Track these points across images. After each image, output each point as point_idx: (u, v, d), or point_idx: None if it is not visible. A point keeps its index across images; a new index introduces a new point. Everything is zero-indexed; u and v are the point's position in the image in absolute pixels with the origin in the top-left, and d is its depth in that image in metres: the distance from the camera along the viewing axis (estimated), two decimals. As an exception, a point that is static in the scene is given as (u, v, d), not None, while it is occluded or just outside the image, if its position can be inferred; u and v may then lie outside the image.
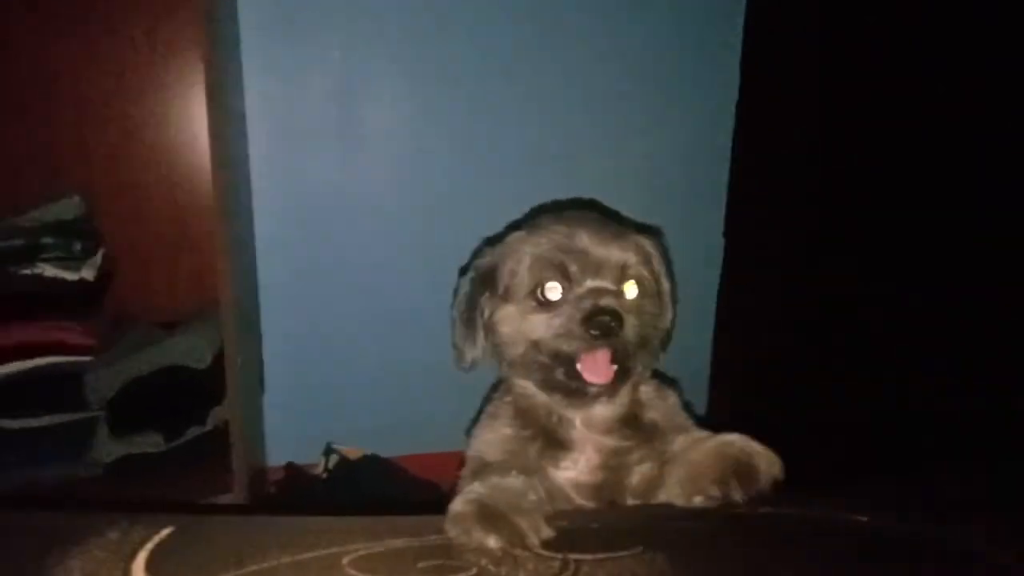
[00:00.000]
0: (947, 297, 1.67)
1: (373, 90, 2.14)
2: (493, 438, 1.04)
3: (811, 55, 1.98)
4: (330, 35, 2.07)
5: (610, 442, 1.00)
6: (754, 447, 0.89)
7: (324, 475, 2.14)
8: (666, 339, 1.07)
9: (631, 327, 0.95)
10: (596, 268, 0.97)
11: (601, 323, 0.92)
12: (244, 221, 2.03)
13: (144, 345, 1.93)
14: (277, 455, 2.22)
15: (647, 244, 1.04)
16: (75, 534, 0.79)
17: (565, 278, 0.97)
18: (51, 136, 2.10)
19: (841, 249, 1.91)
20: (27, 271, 1.92)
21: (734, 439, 0.91)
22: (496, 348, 1.02)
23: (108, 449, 1.84)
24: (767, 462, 0.87)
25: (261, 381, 2.17)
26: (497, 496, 0.85)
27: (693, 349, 2.37)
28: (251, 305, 2.09)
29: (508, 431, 1.03)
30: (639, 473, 0.99)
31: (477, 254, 1.10)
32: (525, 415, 1.03)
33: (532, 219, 1.06)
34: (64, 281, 1.93)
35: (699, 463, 0.90)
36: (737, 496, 0.86)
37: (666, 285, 1.06)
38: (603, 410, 1.01)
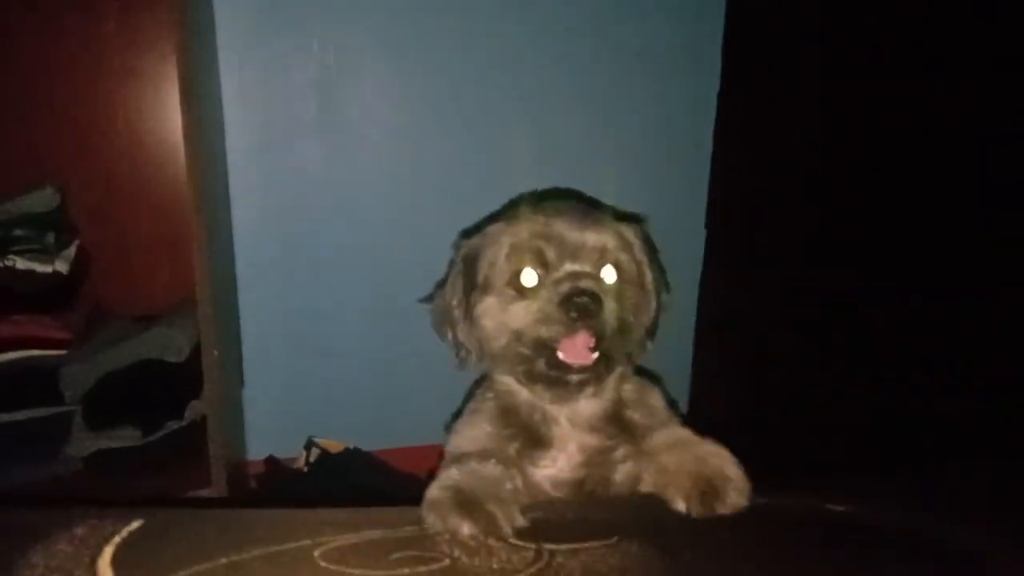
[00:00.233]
0: (941, 293, 1.67)
1: (353, 81, 2.12)
2: (472, 435, 1.03)
3: (794, 46, 1.99)
4: (309, 25, 2.05)
5: (593, 440, 1.00)
6: (729, 471, 0.87)
7: (305, 468, 2.13)
8: (652, 328, 1.06)
9: (610, 311, 0.94)
10: (573, 252, 0.96)
11: (579, 304, 0.91)
12: (222, 213, 2.00)
13: (120, 338, 1.91)
14: (258, 449, 2.20)
15: (628, 231, 1.04)
16: (42, 530, 0.78)
17: (542, 264, 0.96)
18: (24, 128, 2.07)
19: (829, 240, 1.91)
20: (-1, 264, 1.89)
21: (712, 455, 0.90)
22: (480, 342, 1.01)
23: (85, 444, 1.81)
24: (737, 490, 0.86)
25: (240, 374, 2.15)
26: (474, 483, 0.85)
27: (676, 344, 2.37)
28: (230, 298, 2.07)
29: (488, 428, 1.03)
30: (623, 471, 0.98)
31: (456, 248, 1.09)
32: (507, 413, 1.02)
33: (511, 209, 1.06)
34: (37, 274, 1.90)
35: (672, 473, 0.90)
36: (697, 514, 0.85)
37: (649, 274, 1.05)
38: (588, 406, 1.00)
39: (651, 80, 2.23)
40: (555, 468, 0.99)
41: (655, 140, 2.27)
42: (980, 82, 1.57)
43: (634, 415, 1.02)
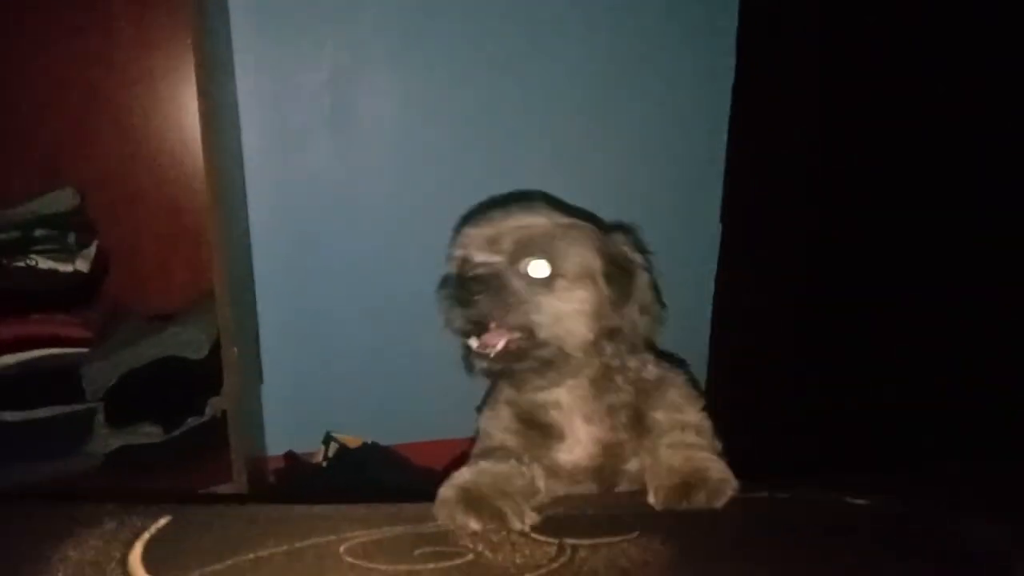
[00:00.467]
0: (948, 291, 1.67)
1: (367, 81, 2.12)
2: (495, 417, 1.05)
3: (810, 39, 1.97)
4: (323, 26, 2.06)
5: (600, 431, 1.01)
6: (710, 473, 0.89)
7: (324, 464, 2.15)
8: (627, 334, 1.02)
9: (523, 305, 0.93)
10: (491, 244, 0.97)
11: (460, 291, 0.93)
12: (238, 211, 2.02)
13: (140, 336, 1.93)
14: (277, 444, 2.22)
15: (582, 229, 1.01)
16: (73, 525, 0.80)
17: (469, 259, 0.98)
18: (43, 129, 2.08)
19: (845, 236, 1.91)
20: (21, 263, 1.90)
21: (700, 458, 0.91)
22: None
23: (106, 440, 1.84)
24: (711, 492, 0.87)
25: (259, 371, 2.17)
26: (482, 481, 0.87)
27: (690, 341, 2.37)
28: (247, 295, 2.09)
29: (506, 411, 1.05)
30: (636, 462, 0.99)
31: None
32: (514, 404, 1.04)
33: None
34: (58, 273, 1.92)
35: (655, 466, 0.92)
36: (662, 508, 0.88)
37: (641, 280, 1.03)
38: (565, 396, 1.01)
39: (665, 76, 2.22)
40: (573, 455, 1.01)
41: (669, 137, 2.27)
42: (972, 69, 1.56)
43: (647, 408, 1.01)
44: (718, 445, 0.98)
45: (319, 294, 2.20)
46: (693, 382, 1.09)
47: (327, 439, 2.17)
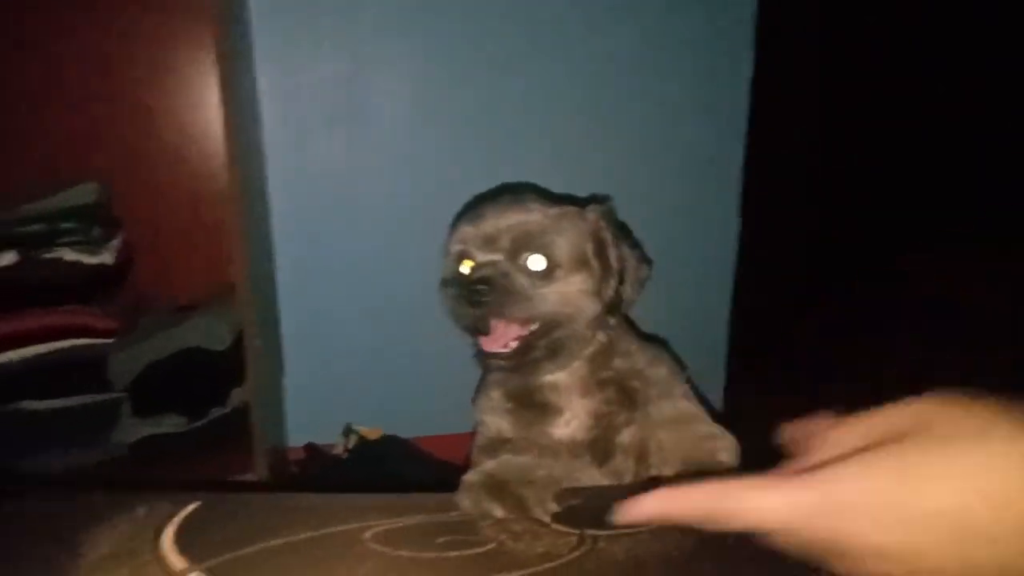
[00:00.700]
0: (967, 290, 1.66)
1: (385, 75, 2.13)
2: (487, 403, 1.09)
3: (830, 35, 1.97)
4: (341, 20, 2.07)
5: (592, 404, 1.04)
6: (722, 456, 0.91)
7: (344, 455, 2.17)
8: (613, 305, 1.07)
9: (529, 299, 0.98)
10: (489, 242, 1.01)
11: (472, 293, 0.97)
12: (259, 204, 2.04)
13: (164, 328, 1.96)
14: (297, 436, 2.25)
15: (569, 215, 1.06)
16: (104, 511, 0.82)
17: (470, 256, 1.03)
18: (66, 123, 2.12)
19: (866, 229, 1.90)
20: (47, 255, 1.94)
21: (707, 438, 0.94)
22: None
23: (131, 430, 1.87)
24: (727, 466, 0.89)
25: (281, 363, 2.20)
26: (506, 470, 0.90)
27: (708, 337, 2.37)
28: (269, 288, 2.11)
29: (497, 395, 1.08)
30: (628, 434, 1.03)
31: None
32: (509, 389, 1.08)
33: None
34: (84, 265, 1.96)
35: (666, 453, 0.94)
36: None
37: (614, 252, 1.07)
38: (563, 377, 1.05)
39: (683, 73, 2.21)
40: (569, 429, 1.04)
41: (685, 134, 2.26)
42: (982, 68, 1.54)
43: (635, 384, 1.06)
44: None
45: (340, 286, 2.22)
46: (676, 359, 1.14)
47: (347, 431, 2.20)
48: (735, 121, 2.25)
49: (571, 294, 1.01)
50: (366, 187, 2.19)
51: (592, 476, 1.03)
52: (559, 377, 1.05)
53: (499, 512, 0.83)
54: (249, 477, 1.81)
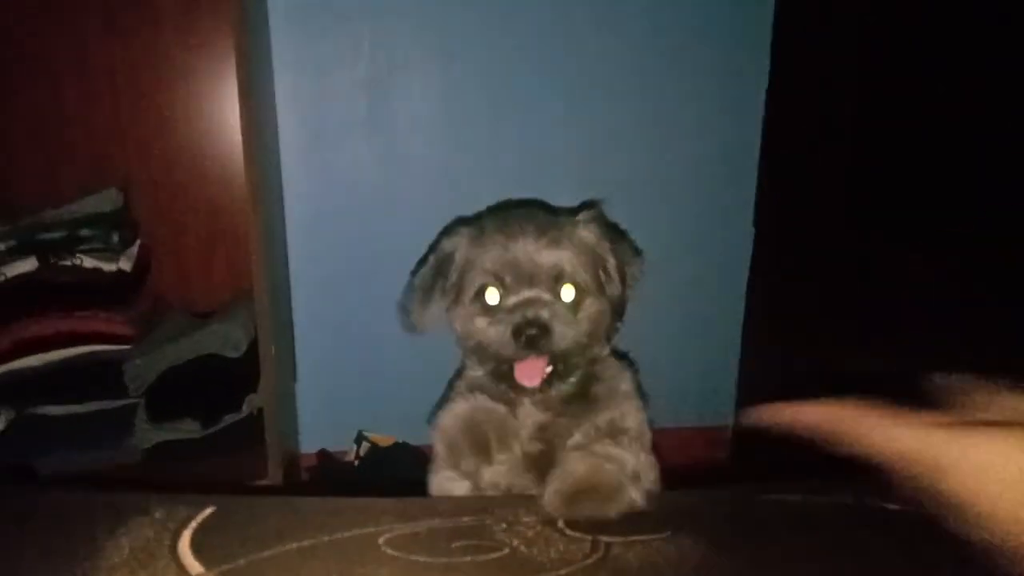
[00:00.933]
0: (986, 298, 1.65)
1: (403, 81, 2.15)
2: (452, 414, 1.09)
3: (845, 39, 1.96)
4: (360, 25, 2.09)
5: (545, 417, 1.05)
6: (607, 479, 0.89)
7: (355, 462, 2.18)
8: (620, 310, 1.10)
9: (562, 335, 1.01)
10: (529, 278, 1.03)
11: (528, 337, 0.99)
12: (276, 211, 2.06)
13: (181, 334, 1.98)
14: (310, 442, 2.26)
15: (585, 235, 1.09)
16: (123, 513, 0.83)
17: (503, 286, 1.04)
18: (87, 130, 2.15)
19: (880, 237, 1.89)
20: (67, 262, 1.97)
21: (605, 462, 0.92)
22: (457, 338, 1.10)
23: (147, 435, 1.89)
24: (596, 503, 0.86)
25: (294, 370, 2.21)
26: (477, 415, 1.00)
27: (722, 343, 2.37)
28: (284, 295, 2.13)
29: (464, 406, 1.08)
30: (571, 443, 1.02)
31: (439, 239, 1.19)
32: (485, 390, 1.08)
33: (478, 220, 1.14)
34: (103, 272, 1.98)
35: (561, 467, 0.93)
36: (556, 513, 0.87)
37: (612, 260, 1.10)
38: (556, 391, 1.06)
39: (699, 77, 2.22)
40: (524, 447, 1.04)
41: (703, 138, 2.26)
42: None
43: (597, 390, 1.07)
44: (647, 440, 1.04)
45: (354, 294, 2.23)
46: (638, 387, 1.13)
47: (359, 438, 2.20)
48: (751, 119, 2.24)
49: (594, 317, 1.05)
50: (382, 195, 2.20)
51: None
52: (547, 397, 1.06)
53: (468, 450, 0.95)
54: (262, 483, 1.82)
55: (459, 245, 1.11)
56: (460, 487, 1.04)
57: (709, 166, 2.27)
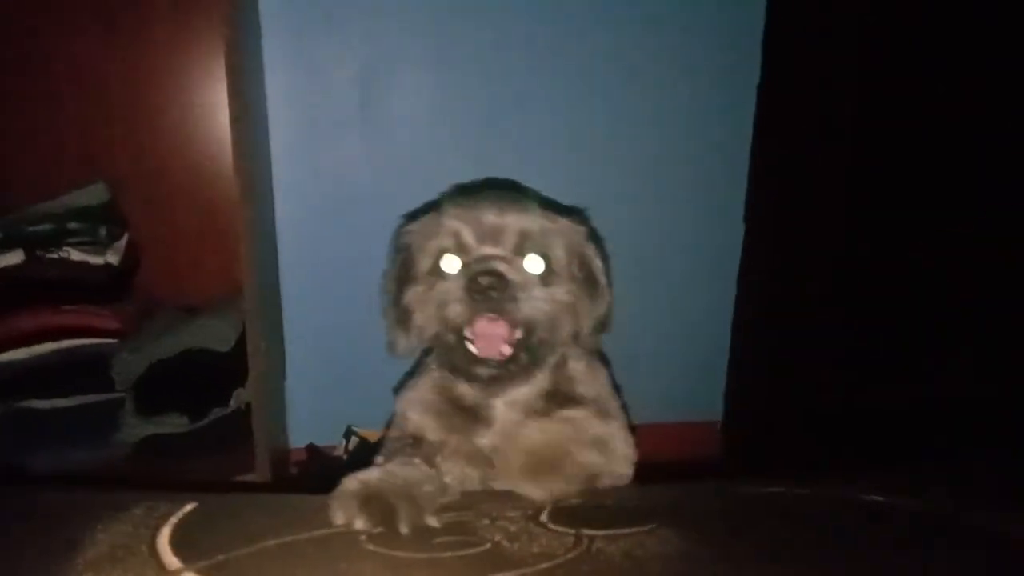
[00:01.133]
0: (975, 291, 1.65)
1: (394, 79, 2.14)
2: (417, 398, 1.06)
3: (836, 37, 1.96)
4: (352, 22, 2.07)
5: (518, 418, 1.00)
6: (567, 460, 0.88)
7: (344, 457, 2.18)
8: (604, 322, 1.05)
9: (529, 301, 0.92)
10: (492, 236, 0.95)
11: (482, 284, 0.90)
12: (266, 207, 2.05)
13: (169, 328, 1.97)
14: (298, 437, 2.25)
15: (563, 221, 1.03)
16: (103, 510, 0.82)
17: (462, 249, 0.96)
18: (75, 124, 2.14)
19: (870, 235, 1.89)
20: (54, 255, 1.96)
21: (572, 441, 0.90)
22: (417, 332, 1.01)
23: (134, 429, 1.88)
24: (574, 469, 0.86)
25: (283, 365, 2.20)
26: (387, 482, 0.85)
27: (712, 339, 2.37)
28: (273, 290, 2.12)
29: (431, 396, 1.04)
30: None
31: (395, 238, 1.12)
32: (447, 391, 1.04)
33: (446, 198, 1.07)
34: (90, 265, 1.97)
35: (520, 442, 0.91)
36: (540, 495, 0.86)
37: (599, 266, 1.05)
38: (523, 392, 1.01)
39: (690, 75, 2.21)
40: (491, 440, 1.00)
41: (693, 136, 2.25)
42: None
43: (581, 391, 1.03)
44: (626, 431, 1.00)
45: (344, 290, 2.22)
46: (613, 384, 1.10)
47: (348, 433, 2.20)
48: (742, 123, 2.24)
49: (562, 303, 0.97)
50: (373, 192, 2.19)
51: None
52: (515, 394, 1.00)
53: (361, 524, 0.80)
54: (251, 477, 1.81)
55: (418, 229, 1.05)
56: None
57: (700, 163, 2.27)
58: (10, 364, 1.91)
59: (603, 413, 1.00)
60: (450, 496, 0.91)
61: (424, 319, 0.98)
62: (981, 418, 1.63)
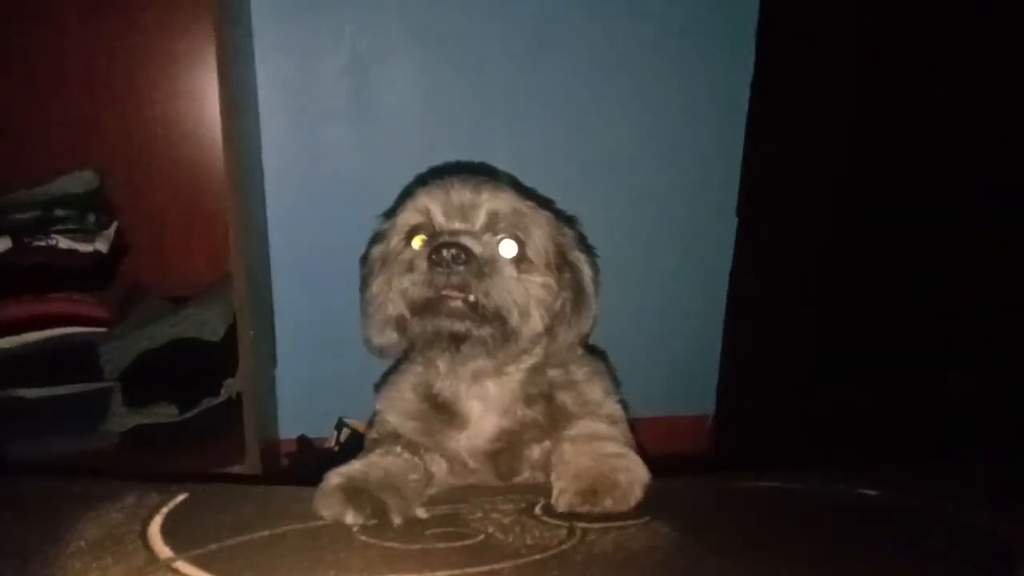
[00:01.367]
0: (967, 291, 1.66)
1: (385, 67, 2.13)
2: (395, 397, 1.05)
3: (830, 34, 1.96)
4: (342, 11, 2.06)
5: (505, 422, 0.99)
6: (619, 477, 0.85)
7: (336, 448, 2.17)
8: (585, 315, 1.02)
9: (496, 278, 0.89)
10: (462, 212, 0.93)
11: (442, 255, 0.86)
12: (256, 196, 2.03)
13: (158, 317, 1.95)
14: (289, 428, 2.24)
15: (543, 213, 1.00)
16: (93, 499, 0.82)
17: (432, 226, 0.94)
18: (63, 111, 2.11)
19: (862, 231, 1.90)
20: (41, 242, 1.93)
21: (610, 456, 0.88)
22: (386, 319, 0.97)
23: (123, 419, 1.86)
24: (616, 498, 0.83)
25: (273, 355, 2.19)
26: (371, 473, 0.85)
27: (704, 336, 2.37)
28: (263, 280, 2.10)
29: (410, 395, 1.04)
30: (538, 448, 0.98)
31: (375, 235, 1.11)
32: (425, 389, 1.03)
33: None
34: (78, 253, 1.95)
35: (563, 465, 0.88)
36: (566, 509, 0.84)
37: (578, 254, 1.02)
38: (497, 388, 0.99)
39: (684, 70, 2.21)
40: (471, 442, 0.99)
41: (686, 131, 2.25)
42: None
43: (565, 398, 1.01)
44: (631, 437, 0.98)
45: (334, 280, 2.21)
46: (611, 375, 1.08)
47: (339, 424, 2.19)
48: (734, 121, 2.24)
49: (531, 296, 0.94)
50: (363, 180, 2.18)
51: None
52: (488, 387, 0.99)
53: (352, 518, 0.79)
54: (240, 468, 1.80)
55: (394, 217, 1.03)
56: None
57: (693, 159, 2.27)
58: (-3, 352, 1.89)
59: (613, 426, 0.98)
60: (437, 485, 0.90)
61: (390, 300, 0.94)
62: (981, 418, 1.64)
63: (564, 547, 0.76)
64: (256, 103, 2.05)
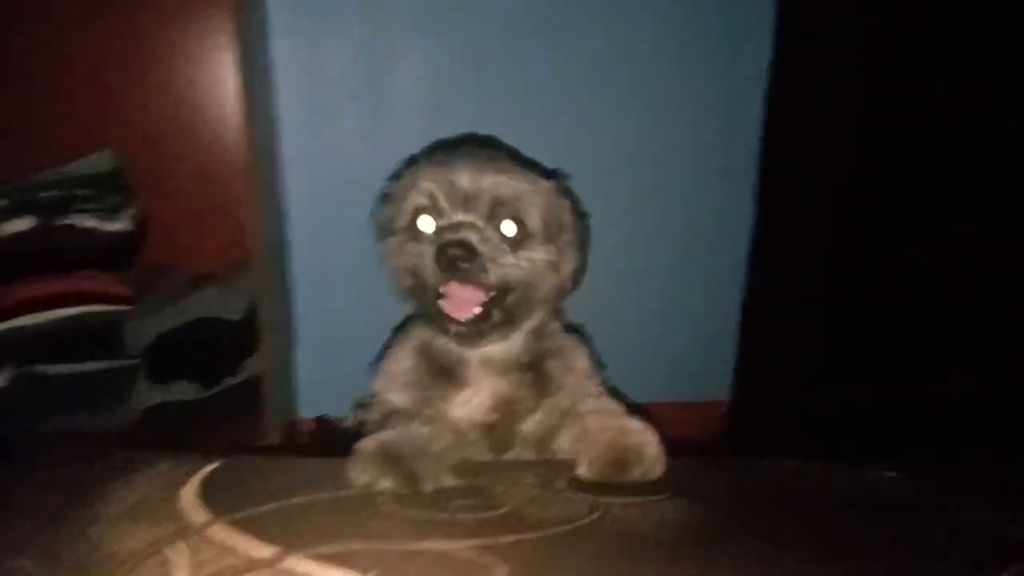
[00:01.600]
0: (981, 291, 1.65)
1: (403, 50, 2.13)
2: (395, 368, 1.10)
3: (847, 31, 1.94)
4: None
5: (503, 386, 1.02)
6: (647, 451, 0.89)
7: (353, 429, 2.19)
8: (569, 286, 1.07)
9: (499, 268, 0.95)
10: (465, 201, 0.97)
11: (450, 256, 0.92)
12: (274, 177, 2.05)
13: (180, 296, 1.97)
14: (309, 408, 2.27)
15: (542, 184, 1.04)
16: (127, 466, 0.84)
17: (436, 211, 0.98)
18: (84, 93, 2.12)
19: (880, 226, 1.89)
20: (63, 222, 1.96)
21: (634, 431, 0.92)
22: (393, 282, 1.04)
23: (146, 396, 1.89)
24: (644, 469, 0.88)
25: (293, 335, 2.21)
26: (402, 441, 0.89)
27: (720, 327, 2.37)
28: (283, 260, 2.12)
29: (408, 362, 1.07)
30: (533, 421, 1.01)
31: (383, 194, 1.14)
32: (426, 350, 1.06)
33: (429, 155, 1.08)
34: (100, 232, 1.97)
35: (590, 436, 0.93)
36: (617, 480, 0.87)
37: (568, 230, 1.06)
38: (499, 350, 1.03)
39: (701, 63, 2.19)
40: (468, 409, 1.02)
41: (702, 131, 2.24)
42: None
43: (553, 367, 1.04)
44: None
45: (354, 261, 2.22)
46: (594, 361, 1.11)
47: (357, 404, 2.21)
48: (749, 120, 2.23)
49: (538, 264, 0.99)
50: (382, 162, 2.17)
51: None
52: (492, 350, 1.02)
53: (388, 483, 0.82)
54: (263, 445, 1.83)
55: (399, 185, 1.07)
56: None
57: (708, 164, 2.25)
58: (21, 329, 1.91)
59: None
60: (458, 451, 0.93)
61: (399, 273, 1.01)
62: (981, 418, 1.64)
63: (586, 520, 0.78)
64: (273, 84, 2.05)
